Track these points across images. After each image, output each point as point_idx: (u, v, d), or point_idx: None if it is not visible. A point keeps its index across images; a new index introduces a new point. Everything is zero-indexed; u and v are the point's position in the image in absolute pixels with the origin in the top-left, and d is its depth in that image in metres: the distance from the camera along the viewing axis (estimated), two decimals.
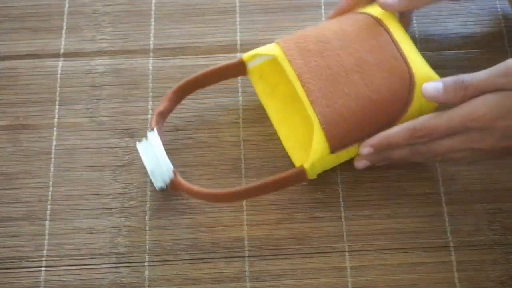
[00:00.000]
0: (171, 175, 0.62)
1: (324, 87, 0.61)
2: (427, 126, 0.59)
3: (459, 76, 0.59)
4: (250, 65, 0.67)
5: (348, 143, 0.61)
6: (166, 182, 0.62)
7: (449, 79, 0.59)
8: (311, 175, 0.62)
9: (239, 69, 0.67)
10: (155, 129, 0.64)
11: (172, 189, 0.63)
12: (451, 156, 0.61)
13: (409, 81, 0.62)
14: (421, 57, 0.64)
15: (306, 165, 0.61)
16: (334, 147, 0.61)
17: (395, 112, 0.62)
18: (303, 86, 0.61)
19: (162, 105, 0.66)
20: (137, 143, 0.63)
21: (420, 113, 0.62)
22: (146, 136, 0.63)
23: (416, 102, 0.62)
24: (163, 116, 0.66)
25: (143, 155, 0.62)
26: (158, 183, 0.63)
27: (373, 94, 0.61)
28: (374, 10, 0.65)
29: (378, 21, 0.64)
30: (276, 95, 0.68)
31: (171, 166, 0.62)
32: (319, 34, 0.64)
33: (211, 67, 0.67)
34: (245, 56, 0.66)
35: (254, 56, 0.66)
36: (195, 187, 0.62)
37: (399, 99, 0.61)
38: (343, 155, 0.63)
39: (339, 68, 0.61)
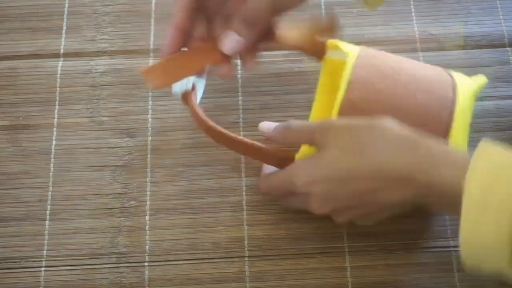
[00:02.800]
0: (190, 86, 0.63)
1: (361, 104, 0.59)
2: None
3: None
4: (329, 55, 0.65)
5: None
6: (182, 89, 0.63)
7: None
8: None
9: (319, 49, 0.65)
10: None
11: (183, 99, 0.64)
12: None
13: None
14: (467, 138, 0.61)
15: (297, 156, 0.60)
16: None
17: None
18: (345, 92, 0.59)
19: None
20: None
21: None
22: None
23: None
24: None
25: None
26: (176, 87, 0.63)
27: None
28: (460, 77, 0.63)
29: (453, 87, 0.61)
30: (330, 96, 0.64)
31: (192, 82, 0.63)
32: (397, 62, 0.62)
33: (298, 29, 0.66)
34: (329, 41, 0.64)
35: (335, 47, 0.64)
36: (198, 110, 0.62)
37: None
38: None
39: (387, 98, 0.59)
